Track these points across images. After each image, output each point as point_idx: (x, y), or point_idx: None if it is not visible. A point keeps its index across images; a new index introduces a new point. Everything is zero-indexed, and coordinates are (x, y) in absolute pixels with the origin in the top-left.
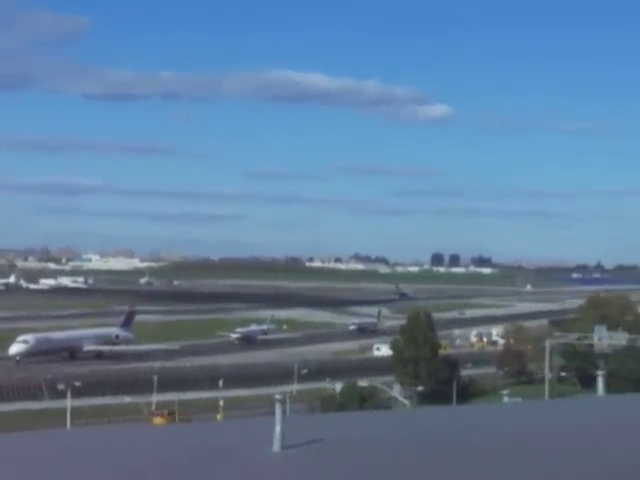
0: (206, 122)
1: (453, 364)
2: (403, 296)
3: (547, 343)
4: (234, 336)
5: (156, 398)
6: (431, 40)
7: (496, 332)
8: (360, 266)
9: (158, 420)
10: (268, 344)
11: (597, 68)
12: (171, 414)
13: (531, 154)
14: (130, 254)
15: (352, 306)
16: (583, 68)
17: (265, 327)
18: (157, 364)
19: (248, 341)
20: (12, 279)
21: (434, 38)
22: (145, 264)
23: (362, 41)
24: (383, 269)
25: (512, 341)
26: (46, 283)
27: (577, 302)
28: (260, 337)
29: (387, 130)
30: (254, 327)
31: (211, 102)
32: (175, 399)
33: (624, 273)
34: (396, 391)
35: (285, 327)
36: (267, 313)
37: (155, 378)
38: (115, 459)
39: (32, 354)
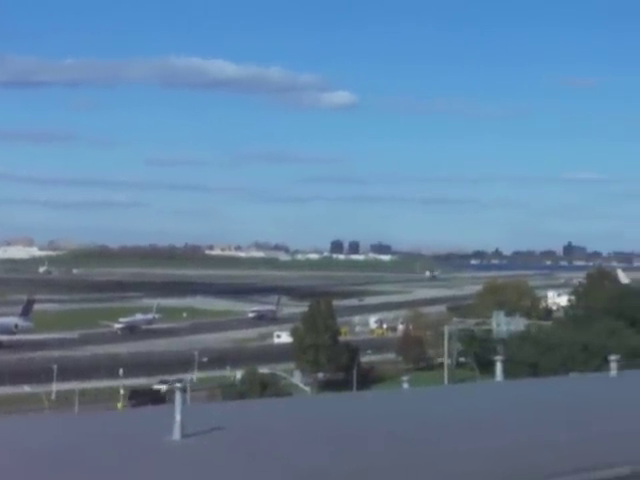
0: (109, 109)
1: (353, 351)
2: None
3: (446, 329)
4: (117, 326)
5: (56, 387)
6: (333, 28)
7: (376, 319)
8: (260, 254)
9: None
10: (159, 333)
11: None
12: None
13: (432, 141)
14: (29, 242)
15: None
16: (483, 56)
17: (150, 316)
18: (56, 353)
19: (132, 331)
20: None
21: (336, 26)
22: (44, 253)
23: (265, 28)
24: (283, 257)
25: (411, 327)
26: None
27: (475, 288)
28: (145, 327)
29: (290, 117)
30: (139, 316)
31: (114, 89)
32: (75, 388)
33: (521, 259)
34: (297, 378)
35: (185, 315)
36: (169, 301)
37: (55, 367)
38: (14, 449)
39: None
